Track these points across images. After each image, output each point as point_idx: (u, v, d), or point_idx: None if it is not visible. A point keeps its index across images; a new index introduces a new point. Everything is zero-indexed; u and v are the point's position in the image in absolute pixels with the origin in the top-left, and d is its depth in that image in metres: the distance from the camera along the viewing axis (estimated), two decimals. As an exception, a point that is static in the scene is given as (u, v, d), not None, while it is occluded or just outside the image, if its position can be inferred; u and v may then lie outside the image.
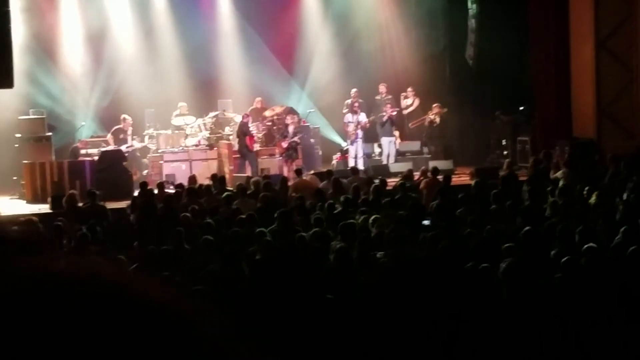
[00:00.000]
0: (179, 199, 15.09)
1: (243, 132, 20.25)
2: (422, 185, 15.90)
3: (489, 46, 21.71)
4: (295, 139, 20.46)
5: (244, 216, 12.64)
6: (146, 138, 21.34)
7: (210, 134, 21.23)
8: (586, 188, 13.29)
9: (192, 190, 15.44)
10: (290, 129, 20.52)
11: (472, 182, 15.84)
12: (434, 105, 22.06)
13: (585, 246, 8.75)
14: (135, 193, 16.69)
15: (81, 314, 0.98)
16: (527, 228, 10.02)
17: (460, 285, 8.50)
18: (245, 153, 20.07)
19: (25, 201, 18.56)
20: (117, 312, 1.00)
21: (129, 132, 20.89)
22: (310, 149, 21.75)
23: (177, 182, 17.48)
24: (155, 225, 13.19)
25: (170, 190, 16.54)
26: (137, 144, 20.94)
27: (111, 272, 1.06)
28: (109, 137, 20.84)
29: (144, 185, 16.16)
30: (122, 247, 11.64)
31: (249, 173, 19.36)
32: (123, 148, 20.43)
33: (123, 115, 21.00)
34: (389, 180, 17.23)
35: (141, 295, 1.04)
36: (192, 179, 17.16)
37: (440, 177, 16.09)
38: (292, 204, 13.99)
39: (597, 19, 19.78)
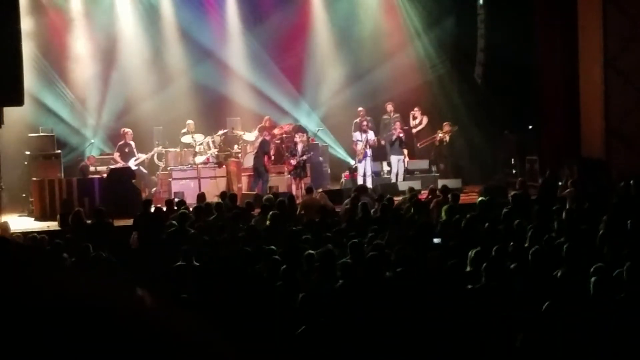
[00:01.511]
0: (186, 216, 15.07)
1: (264, 151, 20.22)
2: (432, 204, 15.84)
3: (498, 65, 21.75)
4: (304, 157, 20.46)
5: (251, 234, 12.66)
6: (155, 154, 21.37)
7: (219, 151, 21.29)
8: (594, 208, 13.27)
9: (199, 209, 15.44)
10: (299, 147, 20.50)
11: (478, 201, 15.79)
12: (445, 123, 22.08)
13: (594, 267, 8.72)
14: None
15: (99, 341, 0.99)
16: (535, 248, 10.00)
17: (468, 304, 8.49)
18: (262, 172, 20.03)
19: (33, 218, 18.61)
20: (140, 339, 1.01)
21: (133, 145, 20.99)
22: (319, 167, 21.75)
23: (185, 199, 17.46)
24: (161, 243, 13.21)
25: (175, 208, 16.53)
26: (143, 156, 21.01)
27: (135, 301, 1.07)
28: (116, 154, 20.92)
29: (146, 204, 16.09)
30: (126, 265, 11.66)
31: (260, 191, 19.38)
32: (132, 162, 20.52)
33: (123, 129, 21.13)
34: (396, 198, 17.22)
35: (164, 325, 1.05)
36: (201, 196, 17.16)
37: (449, 196, 16.07)
38: (301, 222, 13.99)
39: (606, 38, 19.78)
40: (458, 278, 9.29)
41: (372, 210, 14.80)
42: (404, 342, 7.71)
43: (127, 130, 21.09)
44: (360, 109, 22.11)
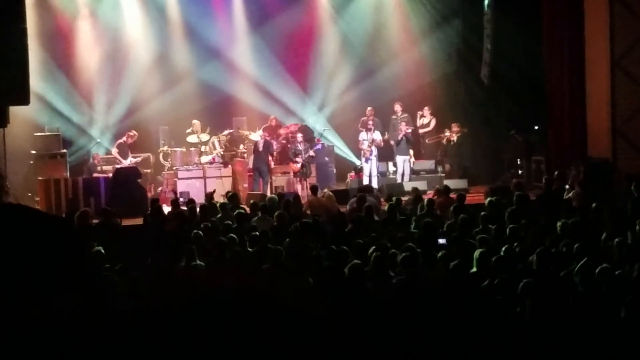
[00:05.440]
0: (192, 216, 15.09)
1: (270, 151, 20.32)
2: (438, 204, 15.77)
3: (504, 65, 21.73)
4: (311, 152, 20.49)
5: (257, 234, 12.65)
6: (161, 156, 21.39)
7: (224, 151, 21.29)
8: (600, 208, 13.23)
9: (204, 208, 15.45)
10: (300, 146, 20.52)
11: (486, 201, 15.74)
12: (453, 124, 22.01)
13: (600, 267, 8.70)
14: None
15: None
16: (540, 248, 9.98)
17: (474, 305, 8.47)
18: (264, 172, 20.08)
19: (39, 218, 18.58)
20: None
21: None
22: (325, 167, 21.73)
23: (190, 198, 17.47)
24: (167, 243, 13.21)
25: (183, 207, 16.52)
26: (128, 161, 20.90)
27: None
28: (114, 150, 20.98)
29: (154, 202, 16.16)
30: (135, 264, 11.64)
31: (262, 190, 19.39)
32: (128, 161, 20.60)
33: (132, 132, 21.23)
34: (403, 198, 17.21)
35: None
36: (210, 195, 17.16)
37: (454, 196, 16.06)
38: (307, 222, 13.95)
39: (612, 39, 19.73)
40: (463, 278, 9.28)
41: (377, 211, 14.79)
42: (408, 342, 7.69)
43: (133, 133, 21.21)
44: (369, 108, 22.09)
